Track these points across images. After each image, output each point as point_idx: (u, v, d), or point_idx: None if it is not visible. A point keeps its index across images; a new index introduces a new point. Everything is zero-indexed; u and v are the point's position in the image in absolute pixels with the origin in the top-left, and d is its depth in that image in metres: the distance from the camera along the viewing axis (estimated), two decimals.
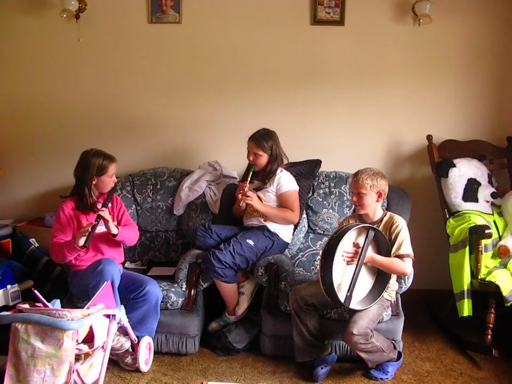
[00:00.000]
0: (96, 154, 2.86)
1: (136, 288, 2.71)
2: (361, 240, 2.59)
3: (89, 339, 2.26)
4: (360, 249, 2.56)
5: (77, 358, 2.26)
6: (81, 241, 2.67)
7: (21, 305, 2.24)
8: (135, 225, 3.11)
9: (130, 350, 2.73)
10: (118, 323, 2.48)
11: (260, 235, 3.04)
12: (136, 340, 2.70)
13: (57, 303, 2.33)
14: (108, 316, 2.39)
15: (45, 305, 2.25)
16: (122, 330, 2.66)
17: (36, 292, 2.26)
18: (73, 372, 2.16)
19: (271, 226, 3.09)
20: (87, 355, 2.32)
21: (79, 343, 2.22)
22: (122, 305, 2.55)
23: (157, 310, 2.77)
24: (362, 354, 2.63)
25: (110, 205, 2.90)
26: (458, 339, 3.11)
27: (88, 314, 2.22)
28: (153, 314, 2.76)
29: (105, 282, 2.44)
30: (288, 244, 3.20)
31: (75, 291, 2.85)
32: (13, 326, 2.17)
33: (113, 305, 2.47)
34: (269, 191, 3.14)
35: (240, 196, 3.03)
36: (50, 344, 2.13)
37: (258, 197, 3.11)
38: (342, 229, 2.58)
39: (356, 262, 2.56)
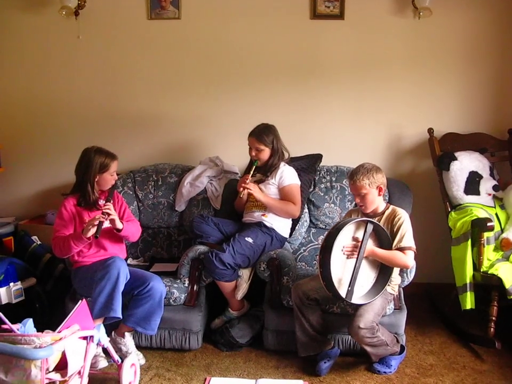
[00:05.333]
0: (98, 151, 2.86)
1: (140, 285, 2.70)
2: (360, 234, 2.58)
3: (62, 366, 2.01)
4: (360, 243, 2.56)
5: None
6: (90, 232, 2.67)
7: None
8: (137, 221, 3.11)
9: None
10: (97, 344, 2.27)
11: (258, 232, 3.04)
12: (120, 360, 2.49)
13: (28, 323, 2.09)
14: (85, 338, 2.16)
15: (10, 329, 2.01)
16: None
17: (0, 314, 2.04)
18: None
19: (268, 222, 3.09)
20: (63, 382, 2.05)
21: (49, 372, 1.97)
22: (102, 324, 2.35)
23: (161, 306, 2.76)
24: (368, 348, 2.63)
25: (111, 201, 2.90)
26: (461, 332, 3.11)
27: (60, 339, 1.99)
28: (157, 311, 2.74)
29: (81, 300, 2.23)
30: (286, 238, 3.20)
31: (78, 287, 2.86)
32: None
33: (91, 325, 2.23)
34: (271, 183, 3.15)
35: (241, 188, 3.04)
36: (15, 376, 1.88)
37: (260, 190, 3.12)
38: (339, 224, 2.57)
39: (356, 256, 2.56)
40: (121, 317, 2.58)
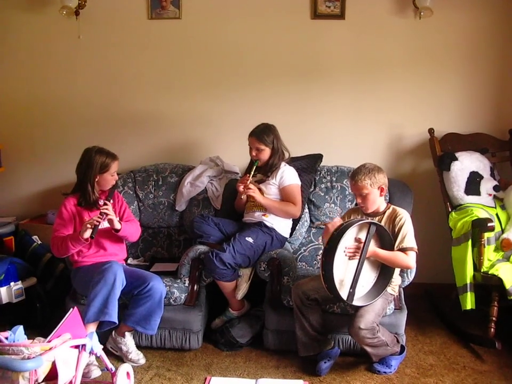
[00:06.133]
0: (99, 151, 2.86)
1: (140, 284, 2.70)
2: (363, 235, 2.57)
3: (52, 376, 1.93)
4: (362, 244, 2.55)
5: None
6: (87, 233, 2.68)
7: None
8: (137, 222, 3.12)
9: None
10: (90, 353, 2.18)
11: (258, 231, 3.03)
12: (113, 369, 2.38)
13: (19, 330, 1.99)
14: (77, 347, 2.09)
15: None
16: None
17: None
18: None
19: (268, 222, 3.09)
20: None
21: (39, 383, 1.91)
22: (94, 332, 2.28)
23: (161, 306, 2.76)
24: (368, 349, 2.63)
25: (112, 201, 2.91)
26: (461, 332, 3.10)
27: (50, 349, 1.90)
28: (157, 310, 2.74)
29: (73, 308, 2.18)
30: (287, 238, 3.20)
31: (78, 287, 2.86)
32: None
33: (83, 334, 2.17)
34: (271, 183, 3.15)
35: (241, 188, 3.04)
36: None
37: (260, 190, 3.12)
38: (342, 226, 2.55)
39: (358, 257, 2.55)
40: (117, 322, 2.57)
